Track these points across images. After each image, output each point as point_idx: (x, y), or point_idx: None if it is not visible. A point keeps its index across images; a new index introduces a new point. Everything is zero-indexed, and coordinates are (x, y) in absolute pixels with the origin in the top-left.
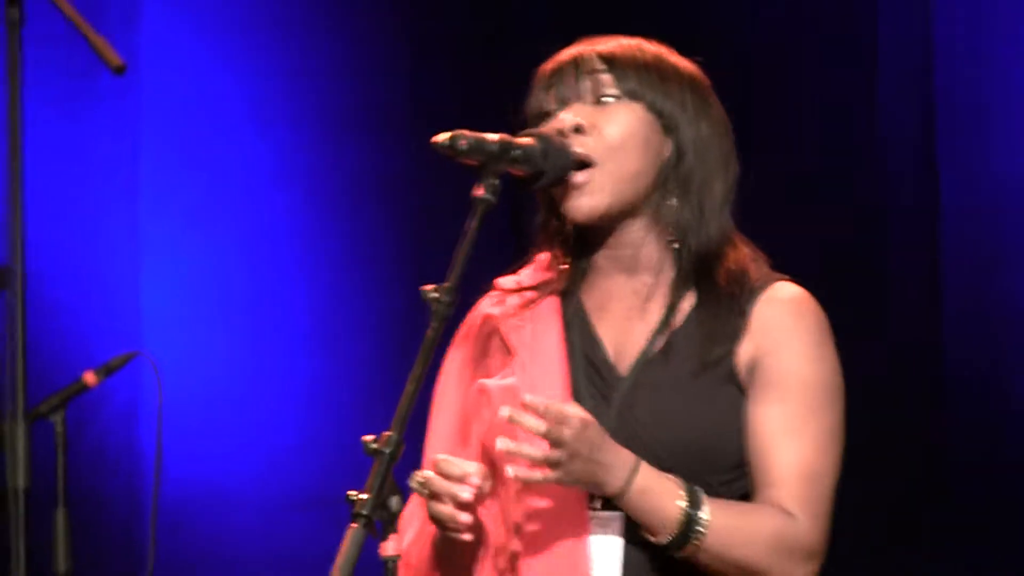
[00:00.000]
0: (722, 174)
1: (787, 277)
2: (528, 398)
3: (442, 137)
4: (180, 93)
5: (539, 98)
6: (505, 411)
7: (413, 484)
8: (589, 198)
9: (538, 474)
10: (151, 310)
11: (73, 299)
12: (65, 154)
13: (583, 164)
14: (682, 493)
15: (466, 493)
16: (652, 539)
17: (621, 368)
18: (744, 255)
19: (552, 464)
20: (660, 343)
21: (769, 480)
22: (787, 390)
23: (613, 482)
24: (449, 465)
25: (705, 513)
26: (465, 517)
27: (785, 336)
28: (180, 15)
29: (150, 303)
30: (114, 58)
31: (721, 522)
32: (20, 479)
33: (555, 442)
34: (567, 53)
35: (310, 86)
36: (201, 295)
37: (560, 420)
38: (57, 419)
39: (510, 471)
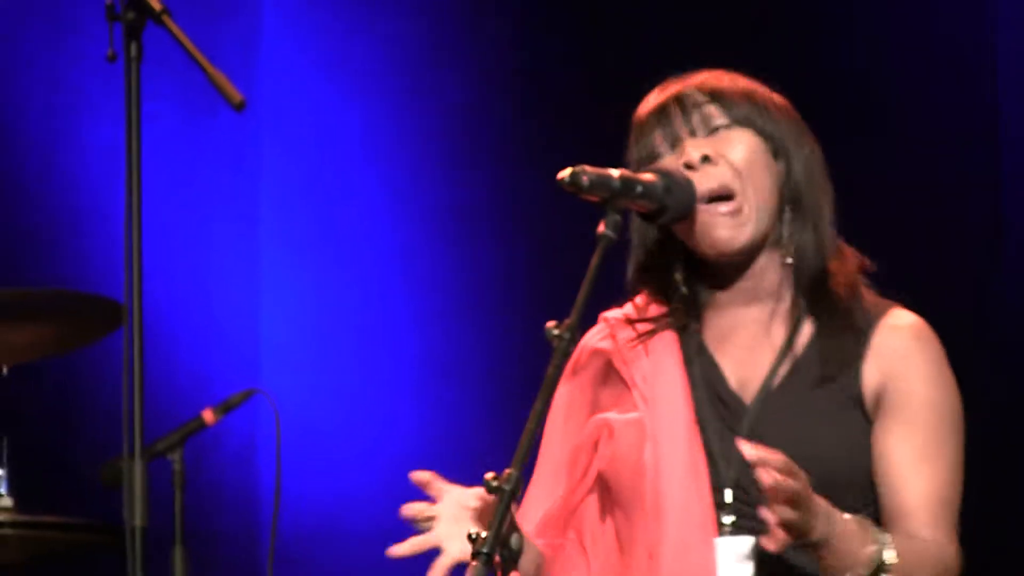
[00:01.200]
0: (826, 191)
1: (900, 304)
2: (757, 452)
3: (565, 173)
4: (298, 127)
5: (646, 142)
6: (764, 477)
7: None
8: (735, 230)
9: (783, 536)
10: (269, 347)
11: (192, 336)
12: (184, 189)
13: (720, 198)
14: (873, 535)
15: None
16: None
17: (746, 398)
18: (851, 267)
19: (790, 524)
20: (784, 369)
21: (903, 509)
22: (916, 416)
23: (820, 527)
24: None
25: (891, 555)
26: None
27: (910, 363)
28: (298, 50)
29: (268, 340)
30: (234, 94)
31: (903, 559)
32: (138, 517)
33: (795, 501)
34: (665, 93)
35: (425, 120)
36: (319, 332)
37: (796, 477)
38: (175, 457)
39: (769, 544)
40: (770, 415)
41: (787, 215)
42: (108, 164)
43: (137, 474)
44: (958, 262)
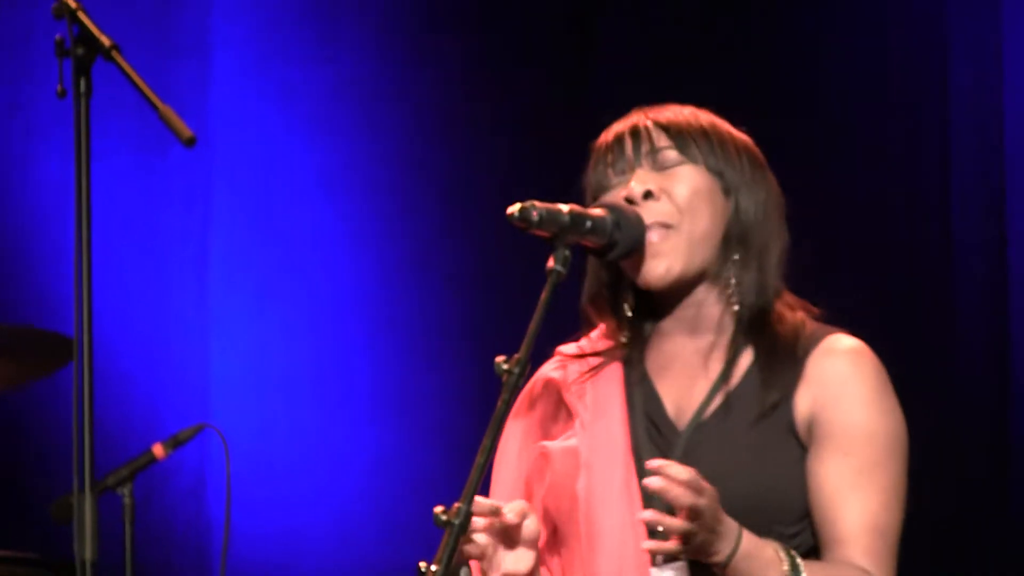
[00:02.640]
0: (778, 235)
1: (843, 329)
2: (658, 462)
3: (514, 208)
4: (250, 164)
5: (598, 172)
6: (655, 483)
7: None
8: (666, 261)
9: (670, 544)
10: (219, 382)
11: (141, 371)
12: (134, 225)
13: (662, 226)
14: (783, 557)
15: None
16: None
17: (680, 425)
18: (797, 310)
19: (687, 535)
20: (718, 399)
21: (837, 536)
22: (850, 443)
23: (724, 549)
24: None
25: None
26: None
27: (844, 388)
28: (249, 86)
29: (218, 374)
30: (184, 130)
31: None
32: (88, 551)
33: (694, 513)
34: (622, 124)
35: (379, 153)
36: (269, 367)
37: (698, 490)
38: (125, 491)
39: (645, 544)
40: (702, 444)
41: (733, 254)
42: (60, 200)
43: (87, 508)
44: (908, 284)
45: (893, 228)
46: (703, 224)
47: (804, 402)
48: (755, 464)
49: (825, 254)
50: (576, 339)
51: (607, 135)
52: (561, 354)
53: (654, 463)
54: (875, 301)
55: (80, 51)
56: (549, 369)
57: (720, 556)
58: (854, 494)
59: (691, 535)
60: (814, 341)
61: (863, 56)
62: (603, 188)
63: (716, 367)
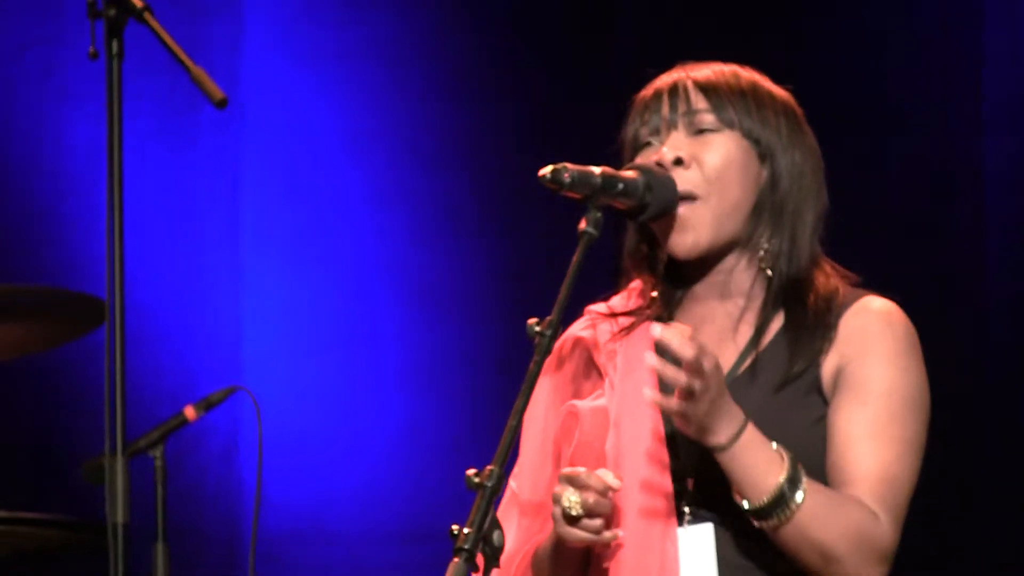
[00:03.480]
0: (813, 203)
1: (877, 292)
2: (662, 332)
3: (546, 170)
4: (280, 126)
5: (635, 127)
6: (656, 330)
7: (564, 502)
8: (693, 233)
9: (670, 401)
10: (251, 345)
11: (174, 333)
12: (166, 187)
13: (687, 197)
14: (786, 465)
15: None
16: (741, 502)
17: None
18: (833, 279)
19: (686, 394)
20: (747, 363)
21: (847, 479)
22: (869, 394)
23: (725, 430)
24: (589, 478)
25: (800, 492)
26: (608, 534)
27: (871, 343)
28: (280, 47)
29: (250, 337)
30: (216, 91)
31: (812, 502)
32: (120, 514)
33: (695, 371)
34: (662, 81)
35: (407, 115)
36: (301, 330)
37: (702, 351)
38: (157, 454)
39: (647, 392)
40: None
41: (765, 221)
42: (92, 161)
43: (119, 471)
44: (940, 260)
45: (924, 209)
46: (733, 195)
47: (832, 361)
48: (779, 428)
49: (853, 227)
50: (606, 299)
51: (647, 90)
52: (591, 313)
53: (657, 332)
54: (904, 277)
55: (112, 12)
56: (579, 328)
57: (721, 436)
58: (868, 443)
59: (692, 397)
60: (846, 305)
61: (893, 33)
62: (639, 144)
63: (746, 331)
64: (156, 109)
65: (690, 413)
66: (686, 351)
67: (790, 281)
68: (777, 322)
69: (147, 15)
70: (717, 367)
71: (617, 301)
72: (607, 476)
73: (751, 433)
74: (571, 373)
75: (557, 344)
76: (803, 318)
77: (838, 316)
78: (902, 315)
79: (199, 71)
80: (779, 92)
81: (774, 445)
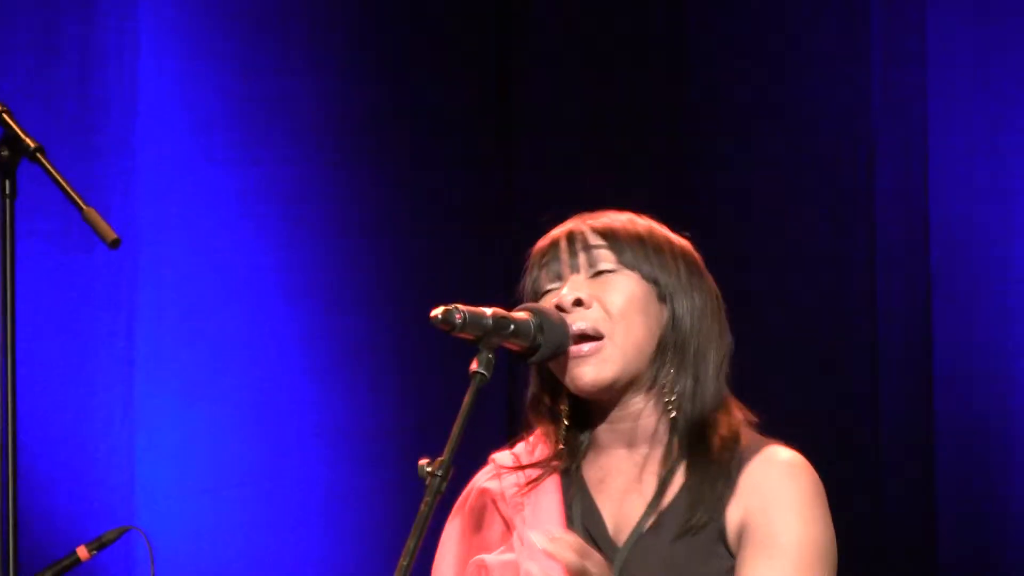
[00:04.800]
0: (716, 342)
1: (780, 441)
2: (553, 536)
3: (438, 312)
4: (176, 263)
5: (534, 276)
6: (540, 539)
7: None
8: (596, 368)
9: None
10: (145, 484)
11: (65, 473)
12: (59, 326)
13: (587, 338)
14: None
15: None
16: None
17: (619, 541)
18: (737, 421)
19: None
20: (654, 517)
21: None
22: (777, 548)
23: None
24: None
25: None
26: None
27: (776, 496)
28: (173, 184)
29: (144, 477)
30: (108, 232)
31: None
32: None
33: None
34: (559, 230)
35: (309, 252)
36: (196, 469)
37: (584, 555)
38: None
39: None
40: (636, 561)
41: (668, 361)
42: None
43: None
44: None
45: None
46: (636, 333)
47: (736, 513)
48: None
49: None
50: (511, 446)
51: (544, 240)
52: (496, 463)
53: (552, 537)
54: (801, 401)
55: (5, 153)
56: (484, 479)
57: None
58: None
59: None
60: (750, 453)
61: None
62: (538, 293)
63: (652, 481)
64: (49, 248)
65: None
66: (569, 558)
67: (694, 424)
68: (681, 472)
69: (40, 155)
70: (601, 565)
71: (521, 449)
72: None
73: None
74: (478, 524)
75: (464, 494)
76: (706, 467)
77: (740, 466)
78: (806, 465)
79: (91, 211)
80: (676, 238)
81: None
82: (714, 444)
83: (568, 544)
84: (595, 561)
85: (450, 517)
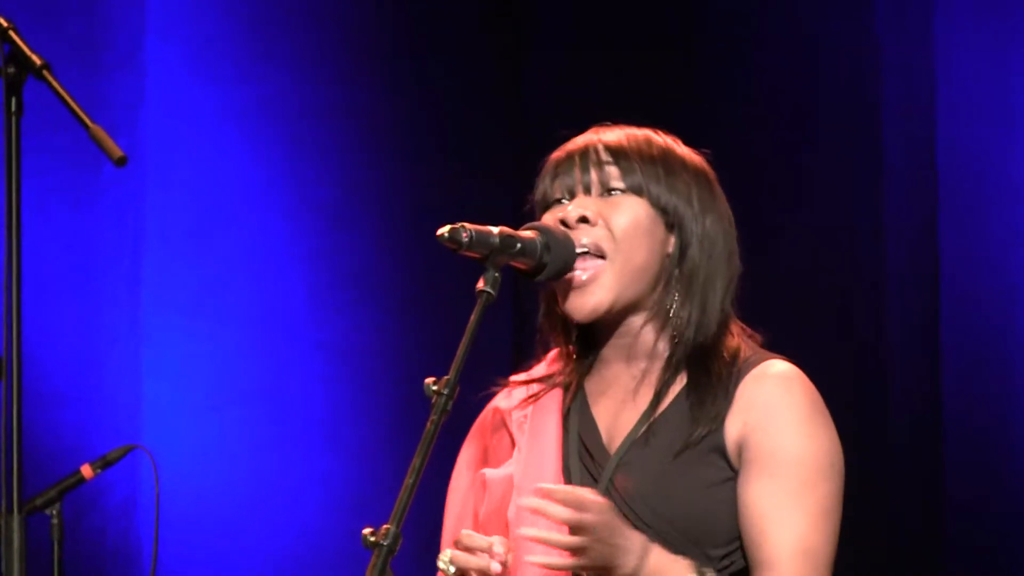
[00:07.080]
0: (725, 270)
1: (778, 355)
2: (548, 487)
3: (444, 230)
4: (182, 181)
5: (545, 187)
6: (531, 502)
7: (440, 564)
8: (592, 296)
9: (560, 559)
10: (151, 403)
11: (72, 390)
12: (66, 243)
13: (595, 254)
14: (694, 574)
15: (495, 564)
16: None
17: (611, 450)
18: (738, 340)
19: (574, 550)
20: (647, 425)
21: (764, 559)
22: (777, 466)
23: (628, 562)
24: (472, 539)
25: None
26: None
27: (773, 412)
28: (181, 102)
29: (150, 395)
30: (115, 150)
31: None
32: (16, 573)
33: (577, 528)
34: (575, 143)
35: (312, 172)
36: (201, 388)
37: (581, 506)
38: (54, 512)
39: (532, 557)
40: (627, 467)
41: (673, 288)
42: None
43: (16, 529)
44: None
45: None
46: (639, 257)
47: (734, 427)
48: (679, 488)
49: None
50: (529, 368)
51: (559, 152)
52: (511, 382)
53: (547, 487)
54: (807, 330)
55: (11, 70)
56: (499, 399)
57: (625, 570)
58: (781, 516)
59: (582, 549)
60: (747, 368)
61: (795, 81)
62: (549, 201)
63: (647, 394)
64: (56, 166)
65: (586, 563)
66: (563, 515)
67: (696, 347)
68: (678, 384)
69: (46, 72)
70: (604, 510)
71: (537, 370)
72: (496, 541)
73: (656, 557)
74: (491, 444)
75: (481, 415)
76: (705, 382)
77: (738, 379)
78: (802, 378)
79: (98, 129)
80: (692, 157)
81: (681, 560)
82: (714, 364)
83: (562, 497)
84: (594, 507)
85: (467, 439)
